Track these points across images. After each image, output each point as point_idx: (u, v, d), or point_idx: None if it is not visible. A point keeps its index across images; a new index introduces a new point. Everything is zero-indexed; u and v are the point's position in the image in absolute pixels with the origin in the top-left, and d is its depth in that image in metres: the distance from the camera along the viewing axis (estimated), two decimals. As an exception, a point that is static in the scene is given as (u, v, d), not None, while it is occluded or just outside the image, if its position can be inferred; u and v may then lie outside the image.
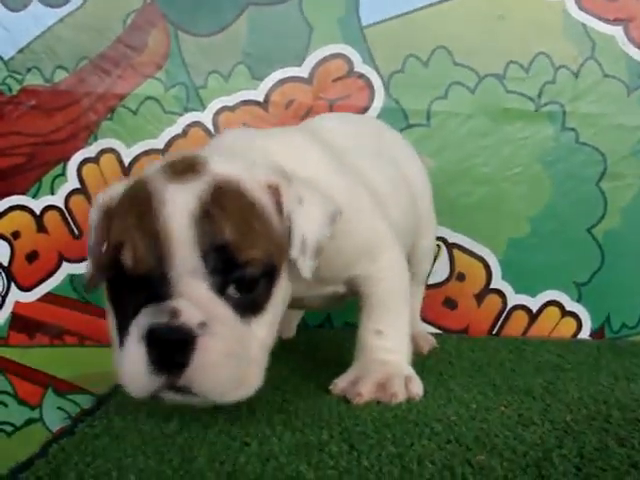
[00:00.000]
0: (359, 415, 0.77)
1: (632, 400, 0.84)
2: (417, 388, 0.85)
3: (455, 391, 0.88)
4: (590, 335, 1.39)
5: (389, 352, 0.88)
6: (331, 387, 0.86)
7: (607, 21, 1.36)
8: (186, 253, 0.64)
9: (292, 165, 0.79)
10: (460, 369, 1.00)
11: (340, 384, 0.86)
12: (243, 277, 0.67)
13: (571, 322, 1.38)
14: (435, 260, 1.33)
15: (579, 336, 1.39)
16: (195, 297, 0.63)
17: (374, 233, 0.90)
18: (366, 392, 0.83)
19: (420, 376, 0.91)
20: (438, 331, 1.39)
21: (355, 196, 0.87)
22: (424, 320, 1.37)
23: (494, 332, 1.39)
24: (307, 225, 0.74)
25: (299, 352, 1.12)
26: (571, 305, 1.38)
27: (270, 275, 0.70)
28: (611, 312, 1.39)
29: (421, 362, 1.03)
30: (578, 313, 1.39)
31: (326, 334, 1.31)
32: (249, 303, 0.68)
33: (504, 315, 1.38)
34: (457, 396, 0.85)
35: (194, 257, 0.64)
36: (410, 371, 0.88)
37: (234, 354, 0.64)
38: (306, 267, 0.73)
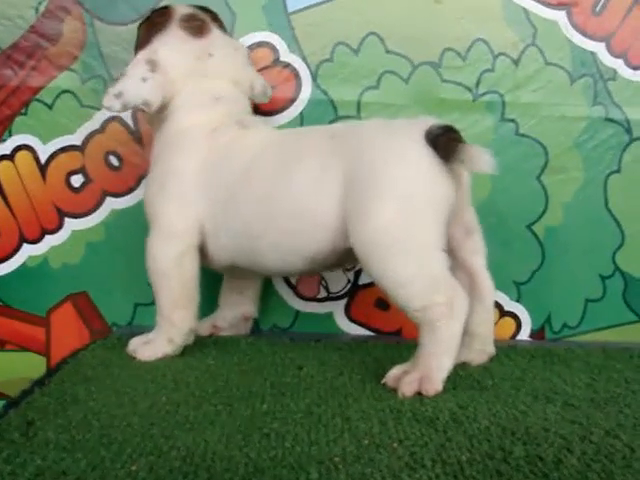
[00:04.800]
0: (233, 456, 0.72)
1: (542, 429, 0.78)
2: None
3: (352, 420, 0.81)
4: (530, 336, 1.34)
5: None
6: None
7: (549, 6, 1.29)
8: None
9: None
10: (370, 390, 0.94)
11: None
12: None
13: (510, 323, 1.33)
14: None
15: (518, 337, 1.35)
16: None
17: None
18: None
19: (318, 401, 0.86)
20: (370, 333, 1.34)
21: None
22: (354, 321, 1.33)
23: (429, 334, 1.33)
24: None
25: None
26: (510, 305, 1.33)
27: None
28: (552, 312, 1.34)
29: (330, 380, 0.98)
30: (517, 313, 1.34)
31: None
32: None
33: (439, 316, 1.32)
34: (353, 427, 0.79)
35: None
36: None
37: None
38: None
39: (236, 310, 1.26)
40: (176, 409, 0.85)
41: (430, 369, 0.91)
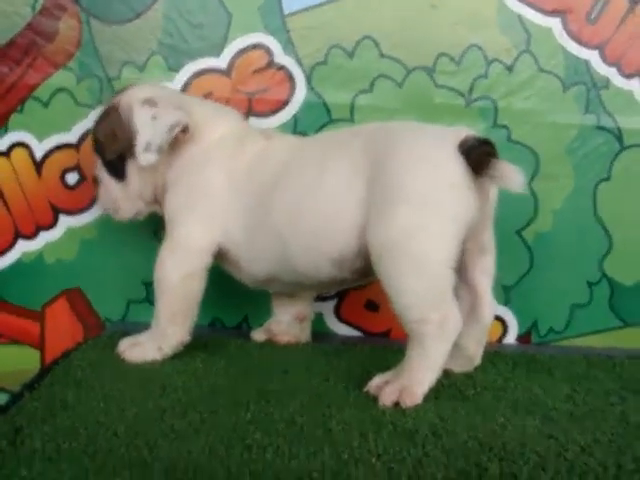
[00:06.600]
0: (215, 470, 0.73)
1: (519, 445, 0.80)
2: None
3: (333, 432, 0.83)
4: (516, 339, 1.36)
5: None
6: None
7: (544, 12, 1.29)
8: None
9: None
10: (353, 398, 0.95)
11: None
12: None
13: (497, 326, 1.35)
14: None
15: (505, 340, 1.36)
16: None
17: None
18: None
19: (301, 410, 0.88)
20: (359, 334, 1.36)
21: None
22: (344, 322, 1.34)
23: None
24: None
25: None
26: (497, 308, 1.33)
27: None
28: (538, 316, 1.36)
29: (315, 387, 1.00)
30: (504, 317, 1.35)
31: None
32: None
33: (427, 319, 1.34)
34: (333, 440, 0.80)
35: None
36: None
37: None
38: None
39: (289, 312, 1.25)
40: (162, 416, 0.87)
41: (412, 382, 0.92)
